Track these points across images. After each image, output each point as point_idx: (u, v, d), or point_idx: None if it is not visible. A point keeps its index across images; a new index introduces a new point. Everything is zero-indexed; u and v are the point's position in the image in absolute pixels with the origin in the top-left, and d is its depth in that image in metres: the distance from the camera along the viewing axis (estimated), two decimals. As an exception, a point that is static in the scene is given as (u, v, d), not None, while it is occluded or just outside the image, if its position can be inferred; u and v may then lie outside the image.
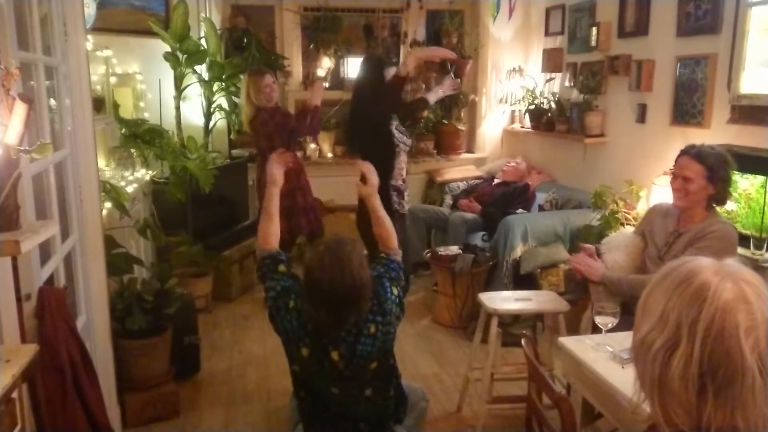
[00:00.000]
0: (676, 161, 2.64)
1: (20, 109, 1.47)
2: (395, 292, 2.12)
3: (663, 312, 1.01)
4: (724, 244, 2.46)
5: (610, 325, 2.13)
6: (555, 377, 2.90)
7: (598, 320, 2.15)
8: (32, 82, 2.18)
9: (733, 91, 3.30)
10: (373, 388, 2.12)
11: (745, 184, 3.12)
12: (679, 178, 2.57)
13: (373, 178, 2.50)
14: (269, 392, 3.39)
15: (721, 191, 2.54)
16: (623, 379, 1.88)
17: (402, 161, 4.04)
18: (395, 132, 3.96)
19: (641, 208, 3.71)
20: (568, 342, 2.19)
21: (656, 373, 1.00)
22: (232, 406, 3.26)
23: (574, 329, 3.14)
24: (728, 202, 2.72)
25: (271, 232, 2.31)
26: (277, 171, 2.43)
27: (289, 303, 2.07)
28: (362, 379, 2.08)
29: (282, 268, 2.19)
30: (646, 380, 1.03)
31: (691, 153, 2.56)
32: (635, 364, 1.07)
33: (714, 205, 2.61)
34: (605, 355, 2.05)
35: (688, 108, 3.63)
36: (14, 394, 1.44)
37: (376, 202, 2.44)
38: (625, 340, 2.12)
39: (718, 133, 3.41)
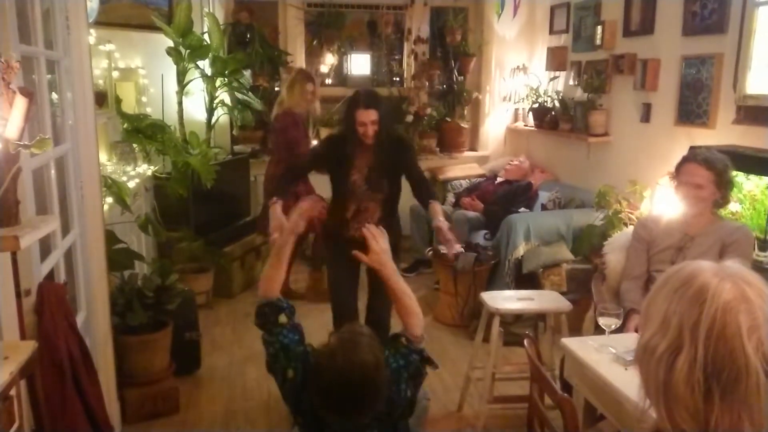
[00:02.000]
0: (680, 168, 2.62)
1: (20, 103, 1.45)
2: (408, 393, 1.79)
3: (664, 316, 1.00)
4: (751, 242, 2.52)
5: (613, 327, 2.12)
6: (556, 377, 2.89)
7: (602, 321, 2.14)
8: (34, 76, 2.17)
9: (738, 91, 3.28)
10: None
11: (750, 185, 3.09)
12: (689, 185, 2.56)
13: (383, 244, 1.99)
14: (269, 389, 3.38)
15: (725, 195, 2.56)
16: (626, 381, 1.86)
17: None
18: None
19: (645, 208, 3.69)
20: (571, 343, 2.18)
21: (661, 378, 0.99)
22: (232, 402, 3.26)
23: (576, 329, 3.13)
24: (731, 203, 2.72)
25: (276, 279, 2.01)
26: (301, 220, 2.12)
27: (288, 371, 1.80)
28: None
29: (283, 318, 1.91)
30: (650, 386, 1.02)
31: (699, 159, 2.56)
32: (639, 370, 1.06)
33: (717, 208, 2.61)
34: (608, 357, 2.04)
35: (693, 108, 3.61)
36: (12, 392, 1.43)
37: (389, 272, 1.96)
38: (628, 341, 2.11)
39: (723, 133, 3.39)
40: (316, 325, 3.17)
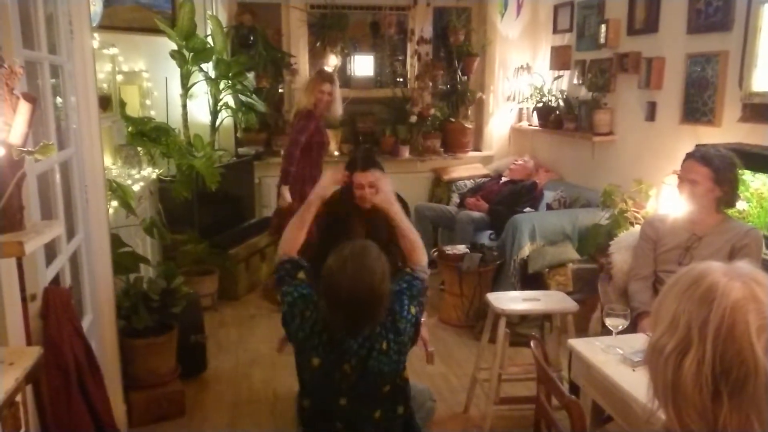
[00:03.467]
0: (682, 165, 2.63)
1: (24, 108, 1.45)
2: (413, 311, 1.97)
3: (674, 316, 1.00)
4: (761, 246, 2.49)
5: (620, 327, 2.10)
6: (563, 378, 2.88)
7: (609, 322, 2.13)
8: (38, 81, 2.17)
9: (744, 89, 3.26)
10: (383, 410, 2.01)
11: (757, 183, 3.08)
12: (685, 181, 2.58)
13: (386, 185, 2.34)
14: (275, 391, 3.38)
15: (728, 193, 2.54)
16: (634, 382, 1.85)
17: None
18: None
19: (651, 207, 3.67)
20: (578, 344, 2.17)
21: (669, 378, 0.98)
22: (238, 405, 3.26)
23: (582, 329, 3.12)
24: (737, 203, 2.70)
25: (298, 239, 2.20)
26: (329, 187, 2.37)
27: (306, 312, 1.96)
28: (373, 398, 1.97)
29: (302, 275, 2.07)
30: (659, 385, 1.02)
31: (696, 156, 2.57)
32: (648, 370, 1.05)
33: (723, 207, 2.59)
34: (615, 358, 2.03)
35: (698, 106, 3.59)
36: (18, 398, 1.43)
37: (396, 210, 2.23)
38: (635, 342, 2.10)
39: (729, 131, 3.37)
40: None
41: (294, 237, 2.20)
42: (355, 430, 2.00)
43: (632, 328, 2.29)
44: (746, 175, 3.04)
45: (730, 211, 2.73)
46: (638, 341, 2.10)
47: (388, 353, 1.90)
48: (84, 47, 2.52)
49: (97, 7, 3.55)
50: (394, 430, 2.07)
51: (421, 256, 2.15)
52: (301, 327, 1.94)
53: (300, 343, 1.97)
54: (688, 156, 2.61)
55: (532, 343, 2.06)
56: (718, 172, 2.49)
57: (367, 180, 2.72)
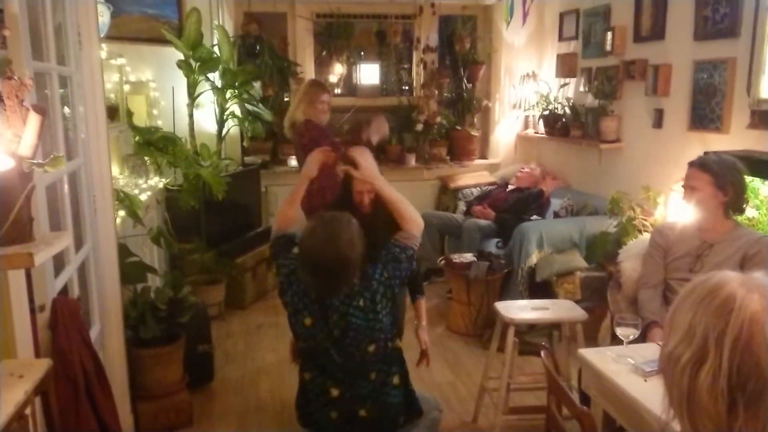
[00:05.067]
0: (685, 174, 2.64)
1: (34, 120, 1.45)
2: (386, 275, 2.11)
3: (690, 325, 0.99)
4: None
5: (631, 337, 2.08)
6: (572, 388, 2.86)
7: (619, 331, 2.11)
8: (46, 91, 2.18)
9: (752, 95, 3.24)
10: (377, 371, 2.17)
11: (766, 190, 3.05)
12: (686, 188, 2.61)
13: (367, 161, 2.32)
14: (282, 401, 3.37)
15: (734, 198, 2.53)
16: (646, 393, 1.83)
17: None
18: None
19: (659, 214, 3.65)
20: (589, 354, 2.15)
21: (684, 388, 0.98)
22: (245, 415, 3.24)
23: (590, 338, 3.10)
24: (747, 209, 2.69)
25: (290, 216, 2.38)
26: (314, 167, 2.46)
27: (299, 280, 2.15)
28: (361, 358, 2.13)
29: (296, 249, 2.22)
30: (674, 395, 1.02)
31: (696, 163, 2.60)
32: (663, 379, 1.05)
33: (732, 213, 2.58)
34: (627, 368, 2.01)
35: (706, 113, 3.58)
36: (27, 410, 1.42)
37: (380, 183, 2.29)
38: (646, 351, 2.08)
39: (737, 138, 3.35)
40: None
41: (286, 213, 2.39)
42: (352, 394, 2.16)
43: (642, 338, 2.27)
44: (755, 182, 3.02)
45: (739, 219, 2.71)
46: (649, 351, 2.08)
47: (364, 310, 2.08)
48: (92, 58, 2.53)
49: (104, 17, 3.57)
50: (390, 400, 2.18)
51: (408, 224, 2.22)
52: (296, 293, 2.13)
53: (294, 306, 2.14)
54: (689, 164, 2.64)
55: (542, 353, 2.04)
56: (717, 177, 2.50)
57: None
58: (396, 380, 2.21)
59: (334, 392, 2.17)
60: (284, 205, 2.44)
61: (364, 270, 2.10)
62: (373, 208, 2.70)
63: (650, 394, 1.80)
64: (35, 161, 1.42)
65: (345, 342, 2.10)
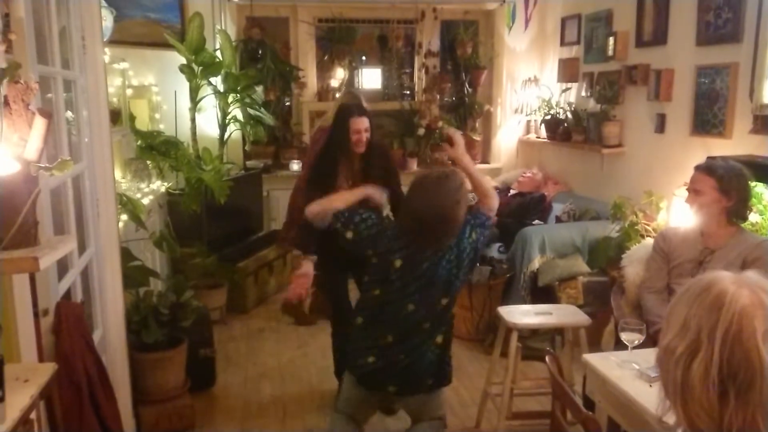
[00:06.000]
0: (690, 178, 2.64)
1: (39, 123, 1.45)
2: (473, 236, 2.35)
3: (684, 320, 1.06)
4: None
5: (636, 342, 2.08)
6: (576, 393, 2.85)
7: (624, 337, 2.10)
8: (50, 95, 2.18)
9: (755, 100, 3.24)
10: (430, 324, 2.32)
11: (769, 195, 3.05)
12: (690, 192, 2.60)
13: (461, 141, 2.70)
14: (284, 405, 3.36)
15: (737, 203, 2.53)
16: (651, 398, 1.82)
17: None
18: None
19: (662, 219, 3.65)
20: (593, 359, 2.14)
21: (679, 378, 1.04)
22: (247, 419, 3.24)
23: (593, 343, 3.09)
24: (750, 215, 2.68)
25: (323, 215, 2.50)
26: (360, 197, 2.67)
27: (382, 230, 2.36)
28: (432, 311, 2.30)
29: (359, 218, 2.41)
30: (669, 386, 1.08)
31: (701, 167, 2.60)
32: (660, 371, 1.12)
33: (735, 220, 2.57)
34: (631, 373, 2.00)
35: (708, 118, 3.58)
36: (32, 415, 1.42)
37: (467, 162, 2.63)
38: (651, 356, 2.07)
39: (740, 143, 3.35)
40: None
41: (325, 209, 2.50)
42: (404, 344, 2.31)
43: (651, 343, 2.26)
44: (759, 188, 3.02)
45: (744, 224, 2.70)
46: (654, 356, 2.07)
47: (450, 262, 2.29)
48: (96, 62, 2.53)
49: (107, 21, 3.57)
50: (428, 356, 2.35)
51: (490, 200, 2.56)
52: (380, 241, 2.32)
53: (387, 247, 2.31)
54: (695, 168, 2.64)
55: (547, 358, 2.04)
56: (722, 181, 2.49)
57: (363, 125, 2.98)
58: (440, 339, 2.38)
59: (389, 338, 2.32)
60: (326, 202, 2.54)
61: (460, 231, 2.31)
62: (368, 148, 3.00)
63: (655, 400, 1.79)
64: (43, 165, 1.41)
65: (428, 291, 2.27)
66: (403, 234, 2.30)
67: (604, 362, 2.10)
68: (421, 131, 5.53)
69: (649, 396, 1.85)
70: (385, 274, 2.31)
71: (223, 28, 4.98)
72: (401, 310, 2.30)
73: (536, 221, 4.53)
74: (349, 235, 2.38)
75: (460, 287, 2.41)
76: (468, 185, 2.38)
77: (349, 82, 5.64)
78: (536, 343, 3.70)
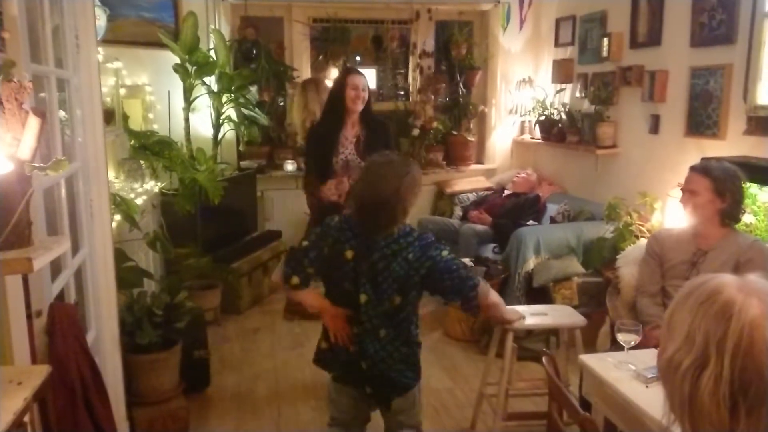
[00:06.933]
0: (685, 179, 2.64)
1: (33, 123, 1.44)
2: (443, 254, 2.25)
3: (689, 331, 1.00)
4: (766, 257, 2.47)
5: (633, 343, 2.08)
6: (572, 393, 2.85)
7: (620, 337, 2.10)
8: (43, 94, 2.16)
9: (749, 102, 3.26)
10: (386, 329, 2.23)
11: (764, 196, 3.06)
12: (685, 192, 2.60)
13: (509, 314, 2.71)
14: (279, 406, 3.35)
15: (731, 205, 2.53)
16: (647, 399, 1.83)
17: None
18: None
19: (656, 220, 3.66)
20: (590, 360, 2.15)
21: (686, 393, 0.99)
22: (242, 420, 3.22)
23: (588, 344, 3.09)
24: (743, 216, 2.69)
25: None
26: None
27: (330, 223, 2.30)
28: (384, 311, 2.20)
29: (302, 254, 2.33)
30: (675, 400, 1.02)
31: (697, 168, 2.60)
32: (663, 384, 1.06)
33: (728, 222, 2.58)
34: (628, 374, 2.00)
35: (702, 119, 3.59)
36: (26, 418, 1.40)
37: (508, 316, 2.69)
38: (647, 357, 2.08)
39: (734, 144, 3.36)
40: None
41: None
42: (357, 334, 2.25)
43: (644, 341, 2.27)
44: (753, 189, 3.03)
45: (738, 225, 2.71)
46: (650, 357, 2.07)
47: (409, 262, 2.18)
48: (90, 61, 2.51)
49: (101, 21, 3.55)
50: (391, 364, 2.25)
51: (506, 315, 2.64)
52: (330, 234, 2.26)
53: (333, 245, 2.24)
54: (690, 169, 2.65)
55: (543, 359, 2.04)
56: (717, 182, 2.50)
57: (361, 82, 3.10)
58: (383, 333, 2.24)
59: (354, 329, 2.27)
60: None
61: (423, 244, 2.23)
62: (369, 115, 3.15)
63: (652, 401, 1.79)
64: (37, 165, 1.40)
65: (380, 285, 2.19)
66: (354, 223, 2.25)
67: (601, 363, 2.10)
68: (416, 132, 5.52)
69: (645, 397, 1.85)
70: (339, 262, 2.25)
71: (217, 27, 4.95)
72: (355, 299, 2.23)
73: (531, 222, 4.54)
74: (311, 270, 2.29)
75: (419, 296, 2.28)
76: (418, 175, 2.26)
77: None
78: (531, 344, 3.71)
